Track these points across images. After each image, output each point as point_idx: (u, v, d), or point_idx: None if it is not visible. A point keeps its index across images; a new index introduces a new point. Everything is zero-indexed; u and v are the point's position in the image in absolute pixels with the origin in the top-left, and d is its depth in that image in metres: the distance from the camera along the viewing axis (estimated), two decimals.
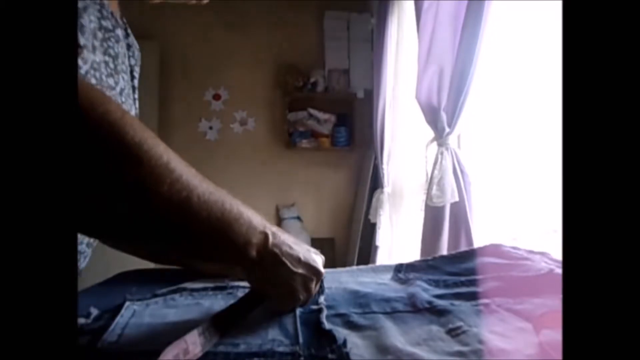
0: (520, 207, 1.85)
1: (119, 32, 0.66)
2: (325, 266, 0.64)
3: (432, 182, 1.82)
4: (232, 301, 0.62)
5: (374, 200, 2.90)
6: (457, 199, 1.77)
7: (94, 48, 0.56)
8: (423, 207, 1.98)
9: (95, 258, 0.75)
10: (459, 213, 1.80)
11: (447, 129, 1.83)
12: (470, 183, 1.82)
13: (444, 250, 1.80)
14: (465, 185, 1.81)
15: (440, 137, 1.86)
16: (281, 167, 3.34)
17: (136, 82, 0.71)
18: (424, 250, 1.95)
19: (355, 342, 0.53)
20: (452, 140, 1.86)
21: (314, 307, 0.64)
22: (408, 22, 2.54)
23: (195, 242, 0.48)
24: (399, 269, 0.89)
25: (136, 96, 0.70)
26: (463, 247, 1.70)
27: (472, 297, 0.70)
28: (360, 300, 0.69)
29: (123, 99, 0.64)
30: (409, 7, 2.47)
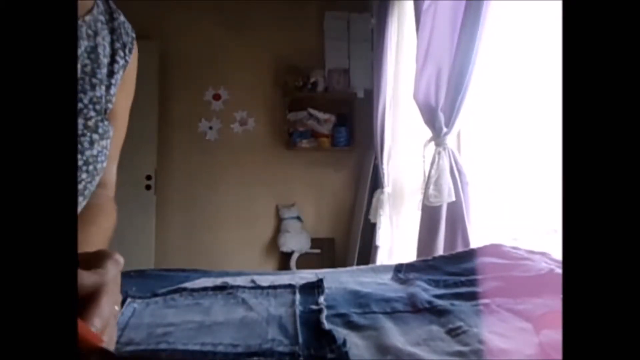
0: (520, 207, 1.85)
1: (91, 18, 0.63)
2: (325, 266, 0.64)
3: (429, 182, 1.82)
4: (232, 301, 0.62)
5: (374, 200, 2.90)
6: (453, 198, 1.77)
7: None
8: (420, 207, 1.98)
9: None
10: (456, 213, 1.80)
11: (445, 129, 1.83)
12: (468, 183, 1.82)
13: (440, 250, 1.79)
14: (462, 185, 1.81)
15: (437, 137, 1.86)
16: (281, 167, 3.34)
17: (119, 64, 0.67)
18: (420, 250, 1.95)
19: (355, 342, 0.53)
20: (449, 140, 1.86)
21: (314, 307, 0.64)
22: (408, 22, 2.54)
23: None
24: (399, 269, 0.89)
25: (113, 81, 0.66)
26: (459, 247, 1.70)
27: (472, 297, 0.70)
28: (360, 300, 0.69)
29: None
30: (409, 7, 2.47)
